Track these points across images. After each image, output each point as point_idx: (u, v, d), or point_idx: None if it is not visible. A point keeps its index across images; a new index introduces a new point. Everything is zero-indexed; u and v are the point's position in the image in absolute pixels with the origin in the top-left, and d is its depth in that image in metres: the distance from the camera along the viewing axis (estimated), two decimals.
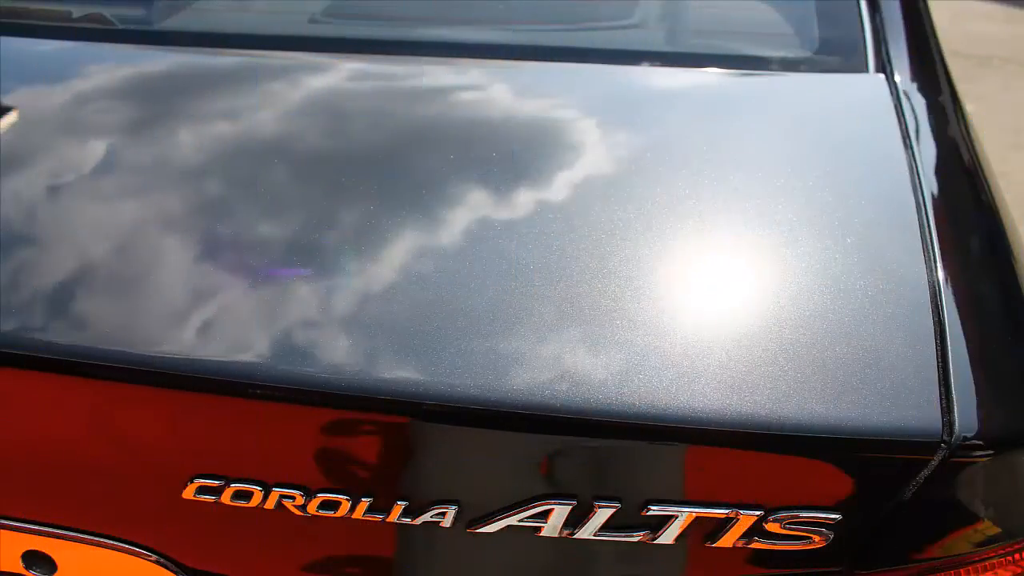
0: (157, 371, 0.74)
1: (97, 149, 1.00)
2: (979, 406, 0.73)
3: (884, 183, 0.94)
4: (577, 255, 0.83)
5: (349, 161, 0.97)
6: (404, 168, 0.95)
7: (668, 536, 0.73)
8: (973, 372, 0.75)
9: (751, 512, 0.71)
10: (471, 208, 0.89)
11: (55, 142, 1.01)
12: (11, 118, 1.05)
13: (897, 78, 1.10)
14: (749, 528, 0.72)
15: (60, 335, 0.77)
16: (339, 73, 1.17)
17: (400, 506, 0.74)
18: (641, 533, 0.73)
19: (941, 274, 0.82)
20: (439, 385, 0.72)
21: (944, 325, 0.77)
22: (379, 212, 0.88)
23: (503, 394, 0.71)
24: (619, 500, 0.72)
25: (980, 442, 0.71)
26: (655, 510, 0.72)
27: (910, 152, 0.97)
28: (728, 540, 0.72)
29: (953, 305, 0.79)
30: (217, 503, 0.76)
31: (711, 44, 1.27)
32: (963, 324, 0.78)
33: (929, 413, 0.71)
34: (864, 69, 1.13)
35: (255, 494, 0.75)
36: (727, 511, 0.71)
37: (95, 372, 0.75)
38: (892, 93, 1.08)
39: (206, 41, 1.25)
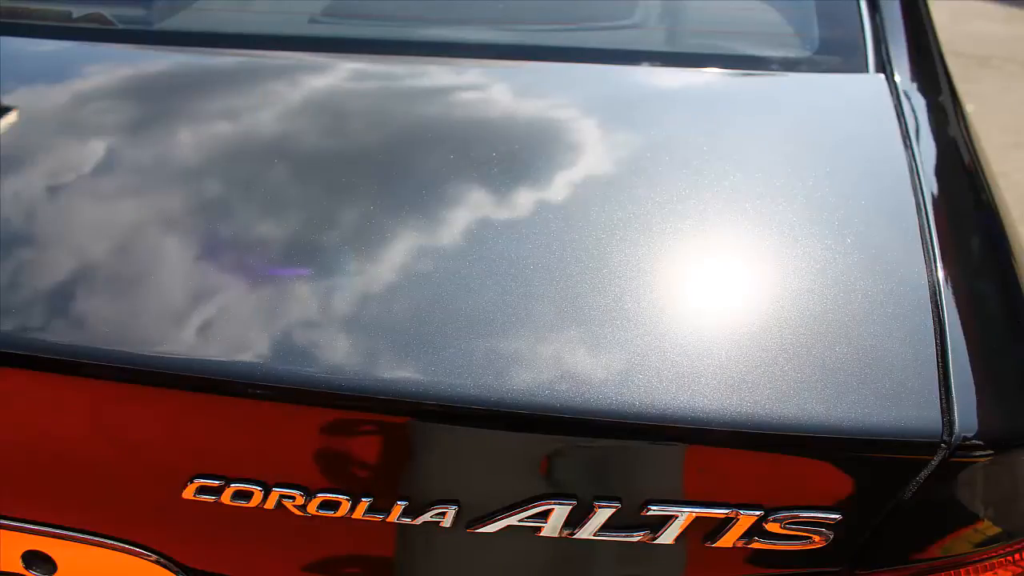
0: (157, 371, 0.74)
1: (97, 149, 1.00)
2: (979, 406, 0.73)
3: (884, 183, 0.94)
4: (577, 255, 0.83)
5: (349, 161, 0.97)
6: (404, 168, 0.95)
7: (668, 536, 0.72)
8: (973, 372, 0.75)
9: (751, 512, 0.71)
10: (471, 208, 0.88)
11: (55, 142, 1.01)
12: (11, 118, 1.05)
13: (897, 78, 1.10)
14: (749, 528, 0.72)
15: (60, 335, 0.77)
16: (339, 73, 1.17)
17: (400, 506, 0.74)
18: (641, 533, 0.73)
19: (941, 274, 0.82)
20: (439, 385, 0.72)
21: (944, 325, 0.77)
22: (379, 212, 0.88)
23: (503, 394, 0.71)
24: (619, 500, 0.72)
25: (980, 442, 0.71)
26: (655, 510, 0.72)
27: (910, 152, 0.97)
28: (728, 540, 0.72)
29: (953, 305, 0.79)
30: (217, 503, 0.76)
31: (711, 44, 1.27)
32: (963, 324, 0.78)
33: (929, 413, 0.71)
34: (864, 69, 1.13)
35: (255, 494, 0.75)
36: (727, 511, 0.71)
37: (95, 372, 0.75)
38: (892, 93, 1.08)
39: (206, 41, 1.24)
